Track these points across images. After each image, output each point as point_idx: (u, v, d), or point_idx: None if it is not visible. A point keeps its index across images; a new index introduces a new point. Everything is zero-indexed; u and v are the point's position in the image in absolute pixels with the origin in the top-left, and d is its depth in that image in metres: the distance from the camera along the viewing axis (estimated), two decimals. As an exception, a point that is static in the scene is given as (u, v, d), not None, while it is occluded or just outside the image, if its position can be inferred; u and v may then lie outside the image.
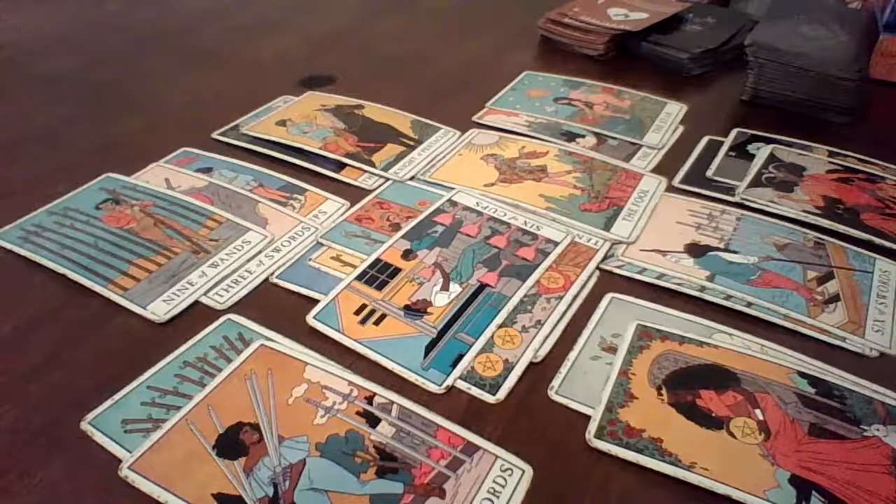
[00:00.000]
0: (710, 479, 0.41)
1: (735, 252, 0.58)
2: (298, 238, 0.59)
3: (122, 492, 0.40)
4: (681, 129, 0.76)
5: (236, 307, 0.53)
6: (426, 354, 0.49)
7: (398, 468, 0.41)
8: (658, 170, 0.69)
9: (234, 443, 0.42)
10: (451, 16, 1.08)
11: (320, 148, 0.71)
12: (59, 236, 0.59)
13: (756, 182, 0.67)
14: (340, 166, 0.69)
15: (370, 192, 0.65)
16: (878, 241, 0.60)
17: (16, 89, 0.85)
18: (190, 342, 0.49)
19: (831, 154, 0.72)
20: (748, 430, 0.43)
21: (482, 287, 0.54)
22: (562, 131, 0.75)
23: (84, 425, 0.44)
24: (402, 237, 0.59)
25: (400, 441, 0.43)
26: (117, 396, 0.45)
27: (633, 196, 0.65)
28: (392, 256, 0.57)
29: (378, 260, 0.56)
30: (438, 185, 0.66)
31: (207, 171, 0.68)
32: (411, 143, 0.73)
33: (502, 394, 0.46)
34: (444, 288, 0.54)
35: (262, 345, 0.48)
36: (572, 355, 0.49)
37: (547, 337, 0.50)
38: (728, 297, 0.54)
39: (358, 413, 0.44)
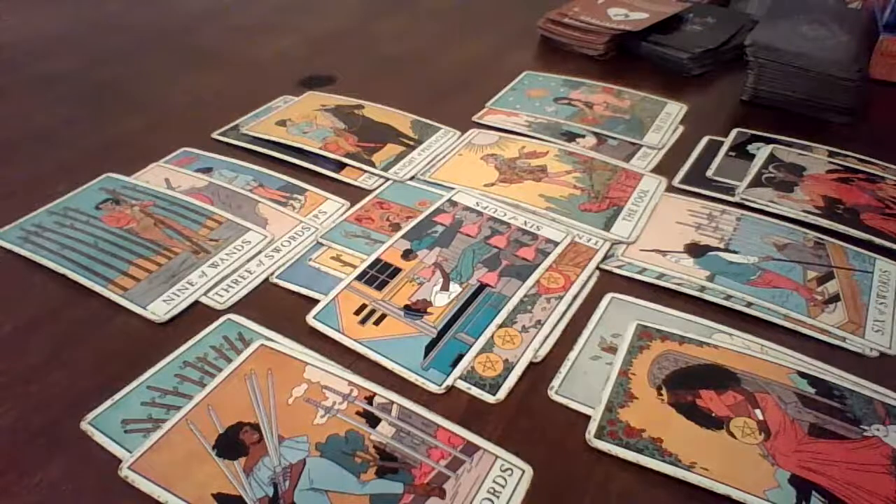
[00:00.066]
0: (710, 479, 0.41)
1: (735, 252, 0.58)
2: (298, 238, 0.59)
3: (122, 492, 0.40)
4: (681, 129, 0.76)
5: (236, 307, 0.53)
6: (426, 354, 0.49)
7: (398, 468, 0.41)
8: (658, 170, 0.69)
9: (234, 443, 0.42)
10: (451, 16, 1.08)
11: (320, 148, 0.71)
12: (59, 236, 0.59)
13: (756, 182, 0.67)
14: (340, 166, 0.69)
15: (370, 192, 0.66)
16: (878, 241, 0.60)
17: (16, 89, 0.85)
18: (190, 342, 0.49)
19: (831, 154, 0.72)
20: (748, 430, 0.43)
21: (482, 287, 0.54)
22: (562, 131, 0.75)
23: (84, 425, 0.44)
24: (402, 237, 0.59)
25: (400, 441, 0.43)
26: (117, 396, 0.45)
27: (633, 196, 0.65)
28: (392, 256, 0.57)
29: (378, 260, 0.56)
30: (438, 185, 0.66)
31: (207, 171, 0.68)
32: (411, 143, 0.73)
33: (502, 394, 0.46)
34: (444, 288, 0.54)
35: (262, 345, 0.48)
36: (572, 355, 0.49)
37: (547, 337, 0.50)
38: (728, 297, 0.54)
39: (358, 413, 0.44)
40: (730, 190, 0.66)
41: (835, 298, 0.54)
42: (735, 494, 0.40)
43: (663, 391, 0.46)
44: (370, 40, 0.99)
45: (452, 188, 0.65)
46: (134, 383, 0.46)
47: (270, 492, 0.40)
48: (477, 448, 0.42)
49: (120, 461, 0.41)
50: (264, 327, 0.50)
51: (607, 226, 0.61)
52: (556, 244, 0.58)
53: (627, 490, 0.41)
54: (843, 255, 0.58)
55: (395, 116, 0.77)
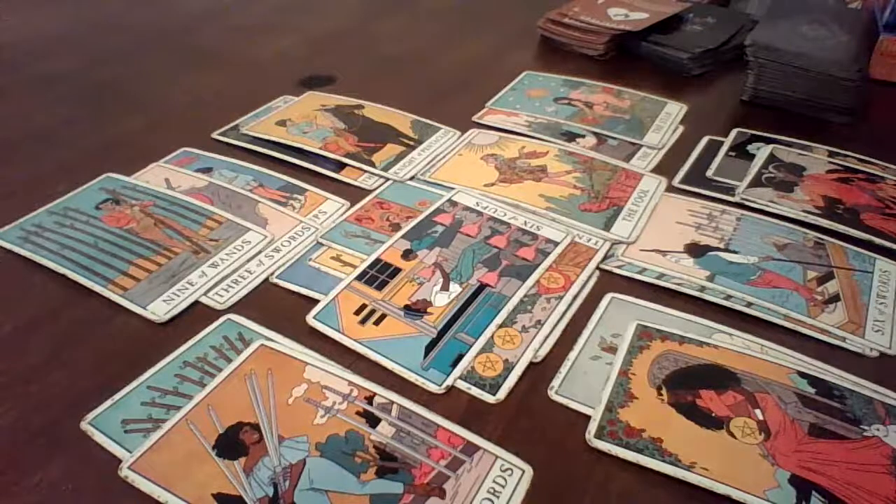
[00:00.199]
0: (710, 479, 0.41)
1: (735, 252, 0.58)
2: (298, 238, 0.59)
3: (122, 492, 0.40)
4: (681, 129, 0.76)
5: (236, 307, 0.53)
6: (426, 354, 0.49)
7: (398, 468, 0.41)
8: (658, 170, 0.69)
9: (234, 443, 0.42)
10: (451, 16, 1.08)
11: (320, 148, 0.71)
12: (59, 236, 0.59)
13: (756, 182, 0.67)
14: (340, 166, 0.69)
15: (370, 192, 0.66)
16: (878, 241, 0.60)
17: (16, 89, 0.85)
18: (190, 342, 0.49)
19: (831, 154, 0.72)
20: (748, 430, 0.43)
21: (482, 287, 0.54)
22: (562, 131, 0.75)
23: (84, 425, 0.44)
24: (402, 237, 0.59)
25: (400, 441, 0.43)
26: (117, 396, 0.45)
27: (633, 196, 0.65)
28: (392, 256, 0.57)
29: (378, 260, 0.56)
30: (438, 185, 0.66)
31: (207, 171, 0.68)
32: (411, 143, 0.73)
33: (502, 394, 0.46)
34: (444, 288, 0.54)
35: (262, 345, 0.48)
36: (572, 355, 0.49)
37: (547, 337, 0.50)
38: (728, 297, 0.54)
39: (358, 413, 0.44)
40: (730, 190, 0.66)
41: (835, 298, 0.54)
42: (735, 494, 0.40)
43: (663, 391, 0.46)
44: (370, 40, 0.99)
45: (452, 188, 0.65)
46: (134, 383, 0.46)
47: (270, 492, 0.40)
48: (477, 448, 0.42)
49: (120, 461, 0.41)
50: (264, 327, 0.50)
51: (607, 226, 0.61)
52: (556, 244, 0.58)
53: (627, 490, 0.41)
54: (843, 255, 0.58)
55: (395, 116, 0.77)
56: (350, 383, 0.46)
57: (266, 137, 0.72)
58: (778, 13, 0.87)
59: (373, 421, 0.44)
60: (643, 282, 0.55)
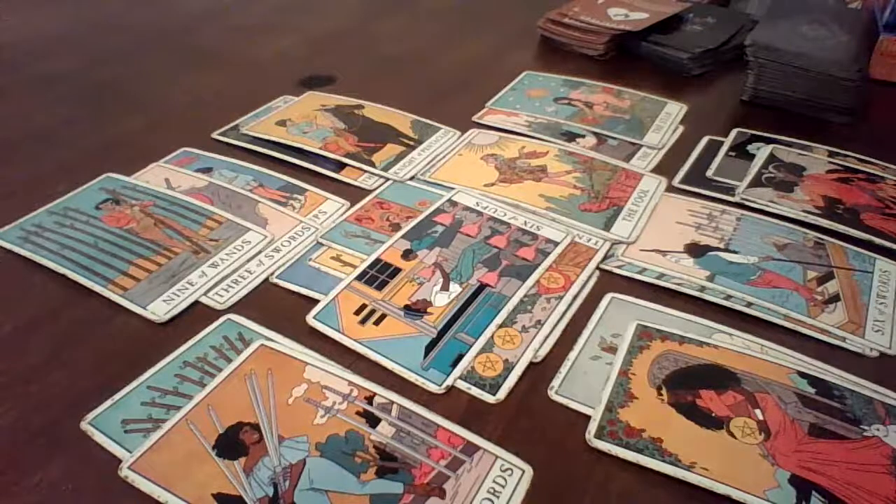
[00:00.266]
0: (710, 479, 0.41)
1: (735, 252, 0.58)
2: (298, 238, 0.59)
3: (122, 492, 0.40)
4: (681, 129, 0.76)
5: (236, 307, 0.53)
6: (426, 354, 0.49)
7: (398, 468, 0.41)
8: (658, 170, 0.69)
9: (234, 443, 0.42)
10: (451, 16, 1.08)
11: (320, 148, 0.71)
12: (59, 236, 0.59)
13: (756, 182, 0.67)
14: (340, 166, 0.69)
15: (370, 192, 0.66)
16: (878, 241, 0.60)
17: (16, 89, 0.85)
18: (190, 342, 0.49)
19: (831, 154, 0.72)
20: (748, 430, 0.43)
21: (482, 287, 0.54)
22: (562, 131, 0.75)
23: (84, 425, 0.44)
24: (402, 237, 0.59)
25: (400, 441, 0.43)
26: (117, 396, 0.45)
27: (633, 196, 0.65)
28: (392, 256, 0.57)
29: (378, 260, 0.56)
30: (438, 185, 0.66)
31: (207, 171, 0.68)
32: (411, 143, 0.73)
33: (502, 394, 0.46)
34: (444, 288, 0.54)
35: (262, 345, 0.48)
36: (572, 355, 0.49)
37: (547, 337, 0.50)
38: (728, 297, 0.54)
39: (358, 413, 0.44)
40: (730, 190, 0.66)
41: (835, 298, 0.54)
42: (735, 494, 0.40)
43: (663, 391, 0.46)
44: (370, 40, 0.99)
45: (452, 188, 0.65)
46: (134, 383, 0.46)
47: (270, 492, 0.40)
48: (477, 448, 0.42)
49: (120, 461, 0.41)
50: (264, 327, 0.50)
51: (607, 226, 0.61)
52: (556, 244, 0.58)
53: (627, 490, 0.41)
54: (843, 255, 0.58)
55: (395, 116, 0.77)
56: (350, 383, 0.46)
57: (266, 137, 0.72)
58: (778, 13, 0.87)
59: (373, 421, 0.44)
60: (643, 282, 0.55)
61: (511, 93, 0.83)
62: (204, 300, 0.53)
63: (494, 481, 0.41)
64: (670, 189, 0.66)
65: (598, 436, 0.43)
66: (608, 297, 0.54)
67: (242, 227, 0.60)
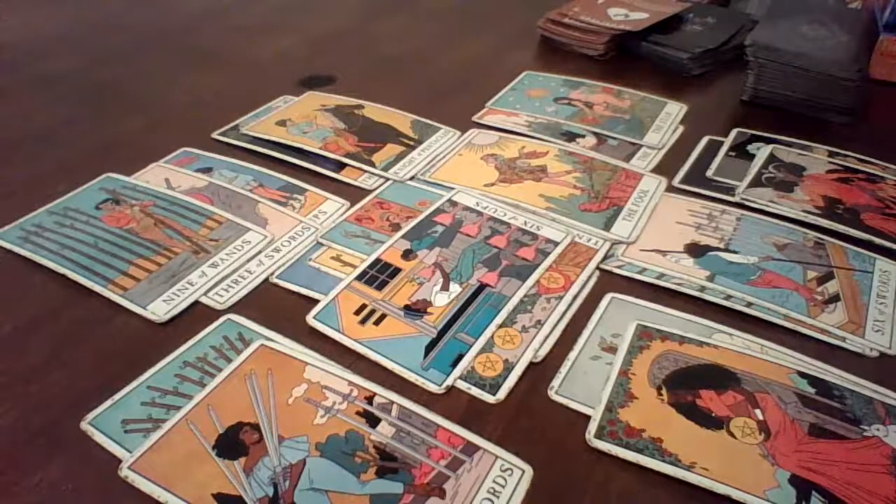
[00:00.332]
0: (710, 479, 0.41)
1: (735, 252, 0.58)
2: (298, 238, 0.59)
3: (122, 492, 0.40)
4: (681, 129, 0.76)
5: (236, 307, 0.53)
6: (426, 354, 0.49)
7: (398, 468, 0.41)
8: (658, 170, 0.69)
9: (234, 443, 0.42)
10: (451, 16, 1.08)
11: (320, 148, 0.71)
12: (59, 236, 0.59)
13: (756, 182, 0.67)
14: (340, 166, 0.69)
15: (370, 192, 0.66)
16: (878, 241, 0.60)
17: (16, 89, 0.85)
18: (190, 342, 0.49)
19: (831, 154, 0.72)
20: (748, 430, 0.43)
21: (482, 287, 0.54)
22: (562, 131, 0.75)
23: (84, 425, 0.44)
24: (402, 237, 0.59)
25: (400, 441, 0.43)
26: (117, 396, 0.45)
27: (633, 196, 0.65)
28: (392, 256, 0.57)
29: (378, 260, 0.56)
30: (438, 185, 0.66)
31: (207, 171, 0.68)
32: (411, 143, 0.73)
33: (502, 394, 0.46)
34: (444, 288, 0.54)
35: (262, 345, 0.48)
36: (572, 355, 0.49)
37: (547, 337, 0.50)
38: (728, 297, 0.54)
39: (358, 413, 0.44)
40: (730, 190, 0.66)
41: (835, 298, 0.54)
42: (735, 494, 0.40)
43: (663, 391, 0.46)
44: (370, 40, 0.99)
45: (452, 188, 0.65)
46: (134, 383, 0.46)
47: (270, 492, 0.40)
48: (477, 448, 0.42)
49: (120, 461, 0.41)
50: (264, 327, 0.50)
51: (607, 226, 0.61)
52: (556, 244, 0.58)
53: (627, 490, 0.41)
54: (843, 255, 0.58)
55: (395, 116, 0.77)
56: (350, 383, 0.46)
57: (266, 137, 0.72)
58: (778, 13, 0.87)
59: (373, 421, 0.44)
60: (643, 282, 0.55)
61: (511, 93, 0.83)
62: (204, 300, 0.53)
63: (494, 481, 0.41)
64: (670, 189, 0.66)
65: (598, 436, 0.43)
66: (608, 297, 0.54)
67: (242, 227, 0.60)
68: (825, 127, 0.77)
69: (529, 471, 0.41)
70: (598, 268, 0.57)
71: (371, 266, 0.56)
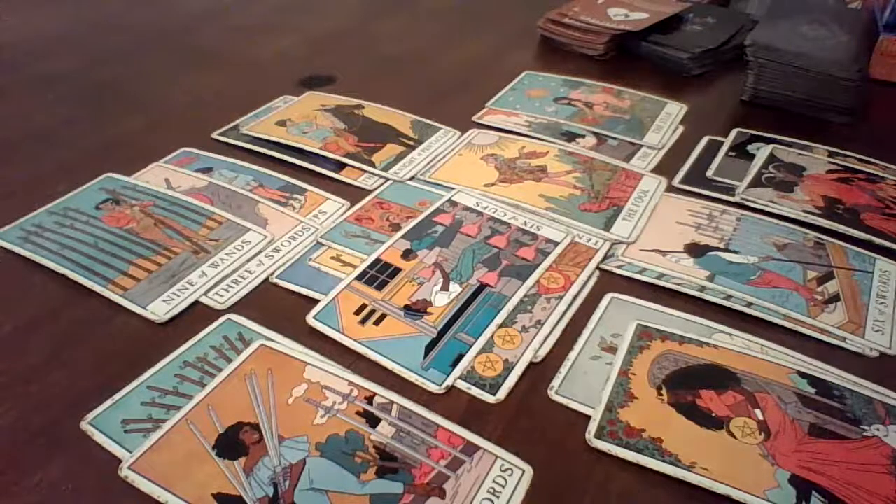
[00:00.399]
0: (710, 479, 0.41)
1: (735, 252, 0.58)
2: (298, 238, 0.59)
3: (122, 492, 0.40)
4: (681, 129, 0.76)
5: (236, 307, 0.53)
6: (426, 354, 0.49)
7: (398, 468, 0.41)
8: (658, 170, 0.69)
9: (234, 443, 0.42)
10: (451, 16, 1.08)
11: (320, 148, 0.71)
12: (59, 236, 0.59)
13: (756, 182, 0.67)
14: (340, 166, 0.69)
15: (370, 192, 0.66)
16: (878, 241, 0.60)
17: (16, 89, 0.85)
18: (190, 342, 0.49)
19: (831, 154, 0.72)
20: (748, 430, 0.43)
21: (482, 287, 0.54)
22: (562, 131, 0.75)
23: (84, 425, 0.44)
24: (402, 237, 0.59)
25: (400, 441, 0.43)
26: (117, 396, 0.45)
27: (633, 196, 0.65)
28: (392, 256, 0.57)
29: (378, 260, 0.56)
30: (438, 185, 0.66)
31: (207, 171, 0.68)
32: (411, 143, 0.73)
33: (502, 394, 0.46)
34: (444, 288, 0.54)
35: (262, 345, 0.48)
36: (572, 355, 0.49)
37: (547, 337, 0.50)
38: (728, 297, 0.54)
39: (358, 413, 0.44)
40: (730, 190, 0.66)
41: (835, 298, 0.54)
42: (735, 494, 0.40)
43: (663, 391, 0.46)
44: (370, 40, 0.99)
45: (452, 188, 0.65)
46: (134, 383, 0.46)
47: (270, 492, 0.40)
48: (477, 448, 0.42)
49: (120, 461, 0.41)
50: (264, 327, 0.50)
51: (607, 226, 0.61)
52: (556, 244, 0.58)
53: (627, 490, 0.41)
54: (843, 255, 0.58)
55: (395, 116, 0.77)
56: (350, 383, 0.46)
57: (266, 137, 0.72)
58: (778, 13, 0.87)
59: (373, 421, 0.44)
60: (643, 282, 0.55)
61: (511, 93, 0.83)
62: (204, 300, 0.53)
63: (494, 481, 0.41)
64: (670, 189, 0.66)
65: (598, 436, 0.43)
66: (608, 297, 0.54)
67: (242, 227, 0.60)
68: (825, 127, 0.77)
69: (529, 471, 0.41)
70: (598, 268, 0.57)
71: (371, 266, 0.56)
